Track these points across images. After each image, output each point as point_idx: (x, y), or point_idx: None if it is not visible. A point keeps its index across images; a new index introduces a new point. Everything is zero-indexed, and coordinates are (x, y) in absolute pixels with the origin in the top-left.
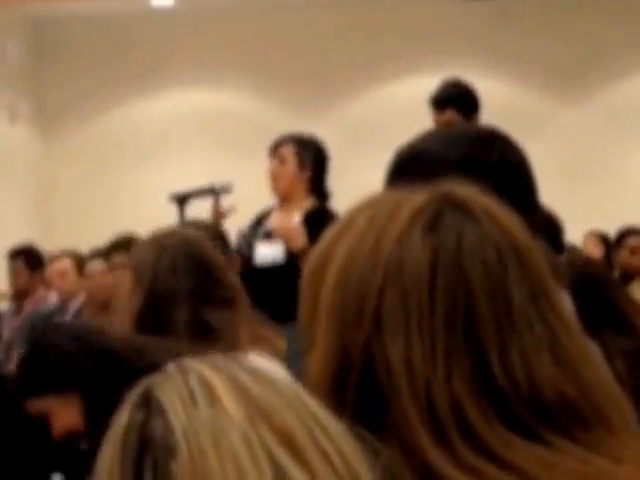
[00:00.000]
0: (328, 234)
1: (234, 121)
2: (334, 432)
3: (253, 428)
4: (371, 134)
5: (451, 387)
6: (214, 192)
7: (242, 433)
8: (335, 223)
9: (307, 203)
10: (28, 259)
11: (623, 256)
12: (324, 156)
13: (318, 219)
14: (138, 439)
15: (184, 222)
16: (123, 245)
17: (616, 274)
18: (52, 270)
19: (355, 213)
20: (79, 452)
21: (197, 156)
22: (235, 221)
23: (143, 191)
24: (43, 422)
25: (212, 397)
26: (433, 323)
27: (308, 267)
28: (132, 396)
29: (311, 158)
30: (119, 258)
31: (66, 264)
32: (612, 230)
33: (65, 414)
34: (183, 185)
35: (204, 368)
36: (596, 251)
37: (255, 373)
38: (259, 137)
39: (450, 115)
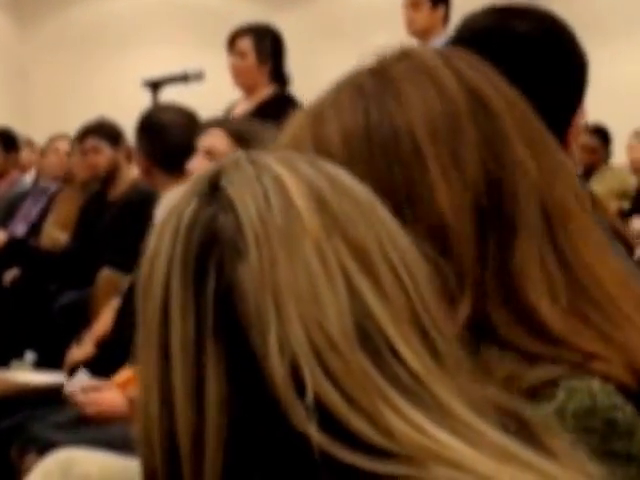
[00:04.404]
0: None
1: (208, 12)
2: (404, 247)
3: (327, 239)
4: (341, 31)
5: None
6: (187, 79)
7: (316, 244)
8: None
9: (268, 90)
10: (3, 141)
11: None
12: (281, 44)
13: (275, 105)
14: (204, 234)
15: (160, 106)
16: (95, 129)
17: None
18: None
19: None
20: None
21: (172, 44)
22: (207, 107)
23: (119, 77)
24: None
25: (287, 202)
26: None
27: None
28: (198, 184)
29: (270, 49)
30: (91, 141)
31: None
32: None
33: None
34: (158, 72)
35: (279, 168)
36: None
37: (333, 180)
38: (231, 29)
39: None
